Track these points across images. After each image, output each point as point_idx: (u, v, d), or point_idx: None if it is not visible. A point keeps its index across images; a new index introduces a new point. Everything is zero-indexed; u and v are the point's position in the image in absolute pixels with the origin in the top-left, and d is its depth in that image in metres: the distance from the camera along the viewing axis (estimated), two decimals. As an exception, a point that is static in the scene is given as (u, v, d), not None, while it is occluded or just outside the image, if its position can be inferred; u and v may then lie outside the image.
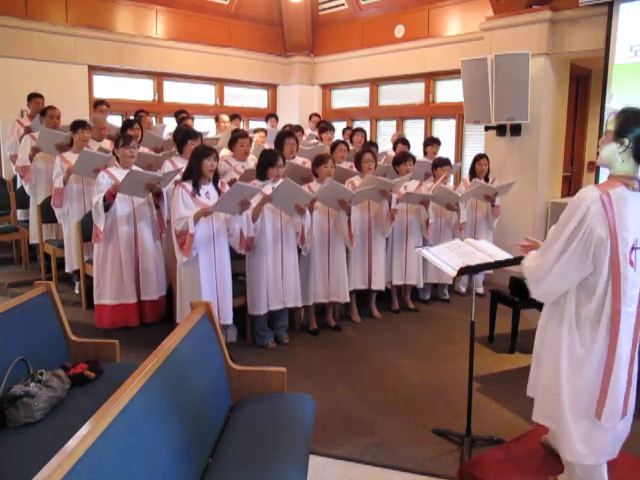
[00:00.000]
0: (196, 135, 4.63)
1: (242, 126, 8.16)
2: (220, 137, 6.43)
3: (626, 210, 1.98)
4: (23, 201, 5.74)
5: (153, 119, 7.28)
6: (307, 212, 4.10)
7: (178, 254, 3.76)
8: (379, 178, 4.62)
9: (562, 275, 2.06)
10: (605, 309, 2.04)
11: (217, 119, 7.45)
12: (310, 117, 8.14)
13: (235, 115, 7.62)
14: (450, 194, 5.10)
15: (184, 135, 4.66)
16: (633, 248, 2.02)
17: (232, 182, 4.53)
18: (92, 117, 5.57)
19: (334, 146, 5.28)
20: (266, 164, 4.03)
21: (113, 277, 4.15)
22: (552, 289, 2.14)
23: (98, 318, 4.23)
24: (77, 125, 4.89)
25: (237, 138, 4.96)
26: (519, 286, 4.22)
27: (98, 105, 6.08)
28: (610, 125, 2.06)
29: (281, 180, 3.97)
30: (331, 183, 4.20)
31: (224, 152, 5.52)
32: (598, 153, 2.12)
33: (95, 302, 4.22)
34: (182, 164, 4.44)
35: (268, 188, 3.98)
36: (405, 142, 6.03)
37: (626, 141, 1.99)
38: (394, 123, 8.30)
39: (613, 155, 2.04)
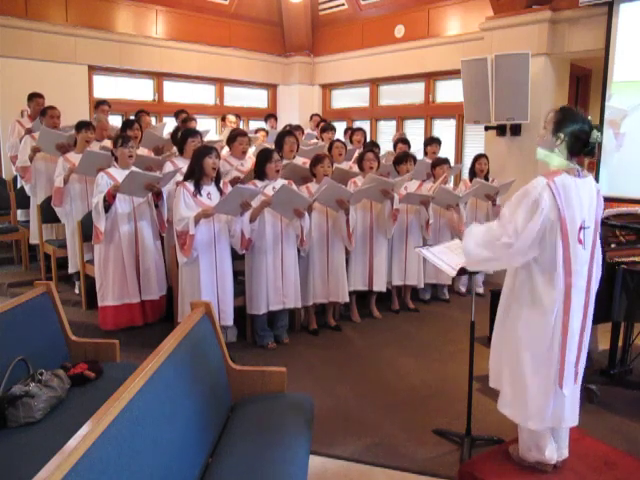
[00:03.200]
0: (195, 133, 4.63)
1: (242, 126, 8.16)
2: (222, 137, 6.44)
3: (570, 194, 2.20)
4: (23, 201, 5.74)
5: (153, 119, 7.29)
6: (306, 215, 4.10)
7: (179, 255, 3.77)
8: (380, 178, 4.62)
9: (525, 245, 2.17)
10: (558, 285, 2.21)
11: (223, 119, 7.46)
12: (311, 117, 8.15)
13: (236, 115, 7.62)
14: (451, 195, 5.10)
15: (183, 134, 4.66)
16: (581, 228, 2.23)
17: (236, 180, 4.54)
18: (95, 117, 5.57)
19: (331, 145, 5.29)
20: (263, 161, 4.04)
21: (115, 277, 4.16)
22: (509, 257, 2.23)
23: (102, 320, 4.23)
24: (81, 125, 4.89)
25: (236, 136, 4.96)
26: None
27: (99, 105, 6.08)
28: (548, 122, 2.30)
29: (280, 183, 3.97)
30: (329, 183, 4.20)
31: (224, 152, 5.53)
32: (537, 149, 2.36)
33: (99, 304, 4.22)
34: (182, 164, 4.45)
35: (269, 189, 3.98)
36: (406, 142, 6.03)
37: (562, 135, 2.24)
38: (394, 123, 8.31)
39: (550, 149, 2.29)
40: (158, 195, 4.25)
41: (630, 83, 5.26)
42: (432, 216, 5.02)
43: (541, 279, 2.24)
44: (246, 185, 3.99)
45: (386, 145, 7.22)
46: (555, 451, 2.44)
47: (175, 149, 4.96)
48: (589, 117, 2.32)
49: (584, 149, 2.27)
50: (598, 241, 2.39)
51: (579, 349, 2.33)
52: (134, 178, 4.00)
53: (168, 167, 4.60)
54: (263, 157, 4.07)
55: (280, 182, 4.03)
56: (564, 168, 2.26)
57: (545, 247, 2.21)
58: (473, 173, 5.54)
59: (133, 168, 4.19)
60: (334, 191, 4.23)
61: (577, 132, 2.23)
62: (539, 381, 2.30)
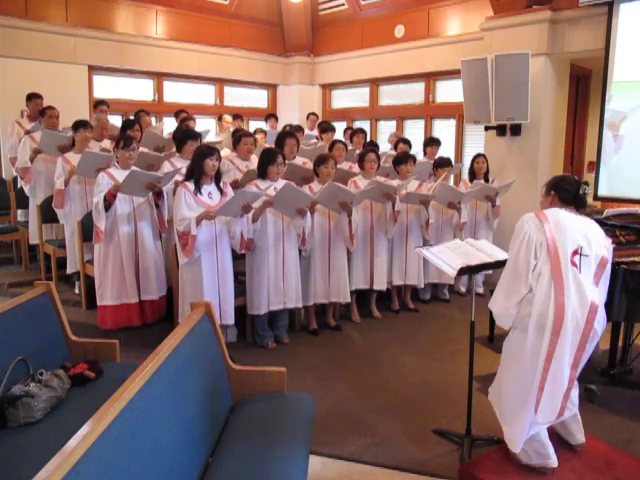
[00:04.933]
0: (196, 136, 4.63)
1: (243, 126, 8.16)
2: (222, 139, 6.44)
3: (562, 221, 2.40)
4: (23, 201, 5.73)
5: (153, 119, 7.28)
6: (308, 214, 4.11)
7: (180, 255, 3.77)
8: (383, 182, 4.62)
9: (515, 287, 2.39)
10: (549, 307, 2.29)
11: (220, 119, 7.45)
12: (308, 116, 8.13)
13: (237, 115, 7.62)
14: (453, 191, 5.10)
15: (183, 135, 4.66)
16: (576, 253, 2.34)
17: (235, 182, 4.54)
18: (95, 117, 5.57)
19: (332, 145, 5.29)
20: (266, 162, 4.04)
21: (114, 277, 4.16)
22: (508, 304, 2.42)
23: (101, 319, 4.23)
24: (79, 125, 4.88)
25: (241, 137, 4.96)
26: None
27: (98, 105, 6.08)
28: (543, 189, 2.63)
29: (282, 183, 3.97)
30: (331, 185, 4.20)
31: (225, 152, 5.53)
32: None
33: (98, 303, 4.22)
34: (181, 164, 4.45)
35: (270, 190, 3.98)
36: (406, 142, 6.03)
37: (552, 192, 2.55)
38: (394, 123, 8.30)
39: (545, 202, 2.59)
40: (159, 195, 4.25)
41: (630, 83, 5.26)
42: (432, 216, 5.02)
43: (533, 299, 2.36)
44: (249, 188, 3.99)
45: (385, 145, 7.21)
46: (555, 455, 2.45)
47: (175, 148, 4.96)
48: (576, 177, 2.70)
49: (575, 198, 2.51)
50: (606, 278, 2.46)
51: (569, 384, 2.36)
52: (135, 177, 4.00)
53: (167, 167, 4.60)
54: (266, 158, 4.06)
55: (282, 182, 4.03)
56: (559, 206, 2.50)
57: (537, 269, 2.36)
58: (472, 173, 5.54)
59: (134, 167, 4.19)
60: (336, 193, 4.23)
61: (565, 186, 2.52)
62: (515, 404, 2.41)
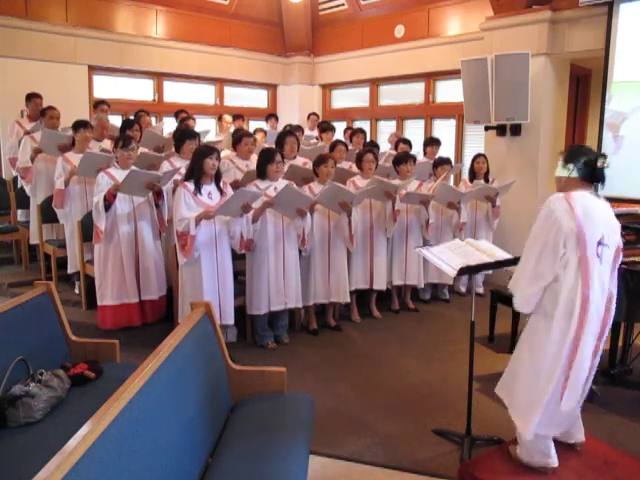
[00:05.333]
0: (194, 135, 4.63)
1: (244, 126, 8.15)
2: (222, 138, 6.44)
3: (591, 207, 2.31)
4: (23, 201, 5.73)
5: (153, 119, 7.28)
6: (308, 214, 4.11)
7: (179, 255, 3.77)
8: (383, 180, 4.62)
9: (540, 272, 2.31)
10: (576, 297, 2.26)
11: (220, 119, 7.45)
12: (308, 116, 8.14)
13: (238, 115, 7.62)
14: (453, 191, 5.10)
15: (181, 135, 4.66)
16: (600, 243, 2.30)
17: (235, 183, 4.54)
18: (95, 117, 5.57)
19: (333, 146, 5.29)
20: (265, 161, 4.04)
21: (115, 277, 4.16)
22: (531, 290, 2.36)
23: (101, 319, 4.23)
24: (79, 125, 4.88)
25: (241, 137, 4.96)
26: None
27: (99, 105, 6.08)
28: (559, 161, 2.51)
29: (282, 183, 3.97)
30: (332, 186, 4.20)
31: (225, 152, 5.53)
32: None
33: (98, 303, 4.22)
34: (180, 164, 4.45)
35: (270, 190, 3.98)
36: (407, 142, 6.03)
37: (571, 166, 2.42)
38: (394, 123, 8.30)
39: (562, 180, 2.47)
40: (159, 194, 4.25)
41: (630, 83, 5.25)
42: (432, 215, 5.02)
43: (559, 288, 2.30)
44: (248, 188, 3.99)
45: (385, 145, 7.21)
46: (556, 455, 2.45)
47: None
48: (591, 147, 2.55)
49: (594, 174, 2.42)
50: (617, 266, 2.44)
51: (590, 372, 2.37)
52: (135, 177, 4.00)
53: (166, 167, 4.60)
54: (265, 157, 4.07)
55: (282, 182, 4.03)
56: (581, 187, 2.40)
57: (565, 257, 2.28)
58: (472, 173, 5.54)
59: (133, 167, 4.18)
60: (336, 193, 4.23)
61: (585, 161, 2.40)
62: (535, 391, 2.36)
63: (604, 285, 2.32)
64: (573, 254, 2.26)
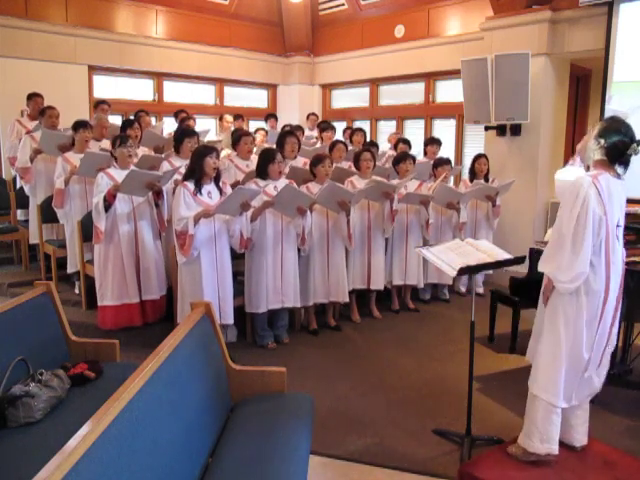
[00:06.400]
0: (193, 133, 4.63)
1: (244, 126, 8.15)
2: (222, 138, 6.44)
3: (613, 192, 2.38)
4: (23, 201, 5.73)
5: (153, 119, 7.28)
6: (308, 213, 4.10)
7: (178, 254, 3.76)
8: (381, 180, 4.62)
9: (586, 256, 2.36)
10: (599, 279, 2.40)
11: (220, 118, 7.46)
12: (308, 116, 8.14)
13: (239, 115, 7.62)
14: (452, 192, 5.10)
15: (180, 134, 4.66)
16: (617, 225, 2.43)
17: (236, 183, 4.54)
18: (95, 116, 5.57)
19: (332, 146, 5.29)
20: (266, 161, 4.04)
21: (115, 277, 4.16)
22: (582, 272, 2.37)
23: (101, 319, 4.23)
24: (79, 125, 4.89)
25: (240, 137, 4.96)
26: (519, 286, 4.22)
27: (99, 105, 6.08)
28: (593, 128, 2.50)
29: (283, 183, 3.97)
30: (330, 185, 4.20)
31: (225, 152, 5.53)
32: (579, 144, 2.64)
33: (98, 303, 4.22)
34: (179, 163, 4.46)
35: (270, 188, 3.98)
36: (406, 142, 6.03)
37: (602, 141, 2.42)
38: (394, 123, 8.30)
39: (590, 150, 2.49)
40: (159, 194, 4.25)
41: (630, 83, 5.26)
42: (432, 216, 5.02)
43: (591, 269, 2.39)
44: (247, 185, 3.99)
45: (385, 145, 7.21)
46: (557, 444, 2.50)
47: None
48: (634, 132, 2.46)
49: (620, 158, 2.43)
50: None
51: (608, 340, 2.54)
52: (134, 177, 3.99)
53: (165, 166, 4.61)
54: (266, 157, 4.07)
55: (282, 182, 4.03)
56: (606, 167, 2.43)
57: (596, 241, 2.38)
58: (473, 173, 5.54)
59: (133, 167, 4.18)
60: (335, 192, 4.23)
61: (617, 142, 2.39)
62: (571, 362, 2.46)
63: (619, 262, 2.47)
64: (602, 236, 2.36)
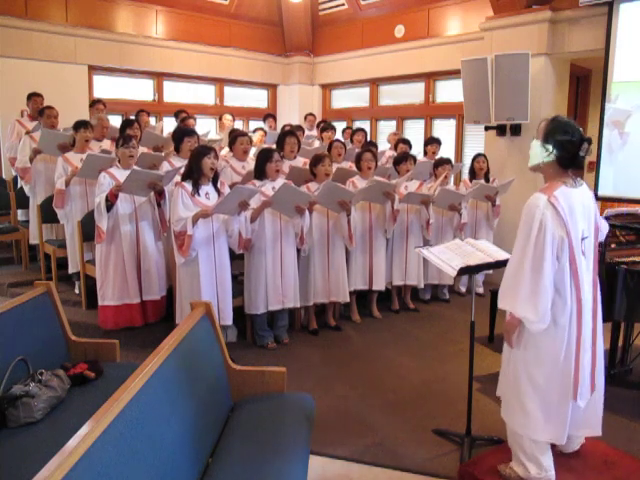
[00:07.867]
0: (192, 132, 4.63)
1: (241, 126, 8.16)
2: (222, 137, 6.44)
3: (572, 206, 2.16)
4: (23, 201, 5.73)
5: (153, 119, 7.29)
6: (307, 213, 4.10)
7: (176, 255, 3.76)
8: (380, 180, 4.62)
9: (549, 284, 2.14)
10: (568, 302, 2.19)
11: (220, 119, 7.46)
12: (305, 117, 8.14)
13: (232, 115, 7.62)
14: (454, 194, 5.10)
15: (180, 133, 4.66)
16: (582, 238, 2.21)
17: (233, 185, 4.53)
18: (95, 116, 5.57)
19: (330, 145, 5.29)
20: (263, 160, 4.04)
21: (116, 277, 4.16)
22: (546, 301, 2.15)
23: (102, 319, 4.23)
24: (79, 125, 4.88)
25: (236, 137, 4.96)
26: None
27: (94, 104, 6.08)
28: (539, 131, 2.23)
29: (280, 182, 3.97)
30: (330, 185, 4.20)
31: (225, 151, 5.53)
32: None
33: (99, 303, 4.22)
34: (180, 163, 4.45)
35: (268, 188, 3.98)
36: (406, 142, 6.03)
37: (550, 147, 2.17)
38: (394, 123, 8.30)
39: (537, 158, 2.24)
40: (160, 194, 4.25)
41: (630, 83, 5.25)
42: (433, 216, 5.02)
43: (555, 298, 2.18)
44: (245, 185, 3.99)
45: (385, 145, 7.21)
46: (553, 467, 2.37)
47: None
48: (580, 129, 2.23)
49: (573, 162, 2.19)
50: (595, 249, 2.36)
51: (593, 361, 2.32)
52: (136, 176, 3.99)
53: (165, 166, 4.60)
54: (263, 157, 4.07)
55: (280, 181, 4.03)
56: (560, 179, 2.20)
57: (560, 265, 2.17)
58: (473, 173, 5.55)
59: (135, 167, 4.19)
60: (335, 192, 4.23)
61: (565, 143, 2.15)
62: (553, 396, 2.26)
63: (590, 277, 2.26)
64: (564, 259, 2.16)
